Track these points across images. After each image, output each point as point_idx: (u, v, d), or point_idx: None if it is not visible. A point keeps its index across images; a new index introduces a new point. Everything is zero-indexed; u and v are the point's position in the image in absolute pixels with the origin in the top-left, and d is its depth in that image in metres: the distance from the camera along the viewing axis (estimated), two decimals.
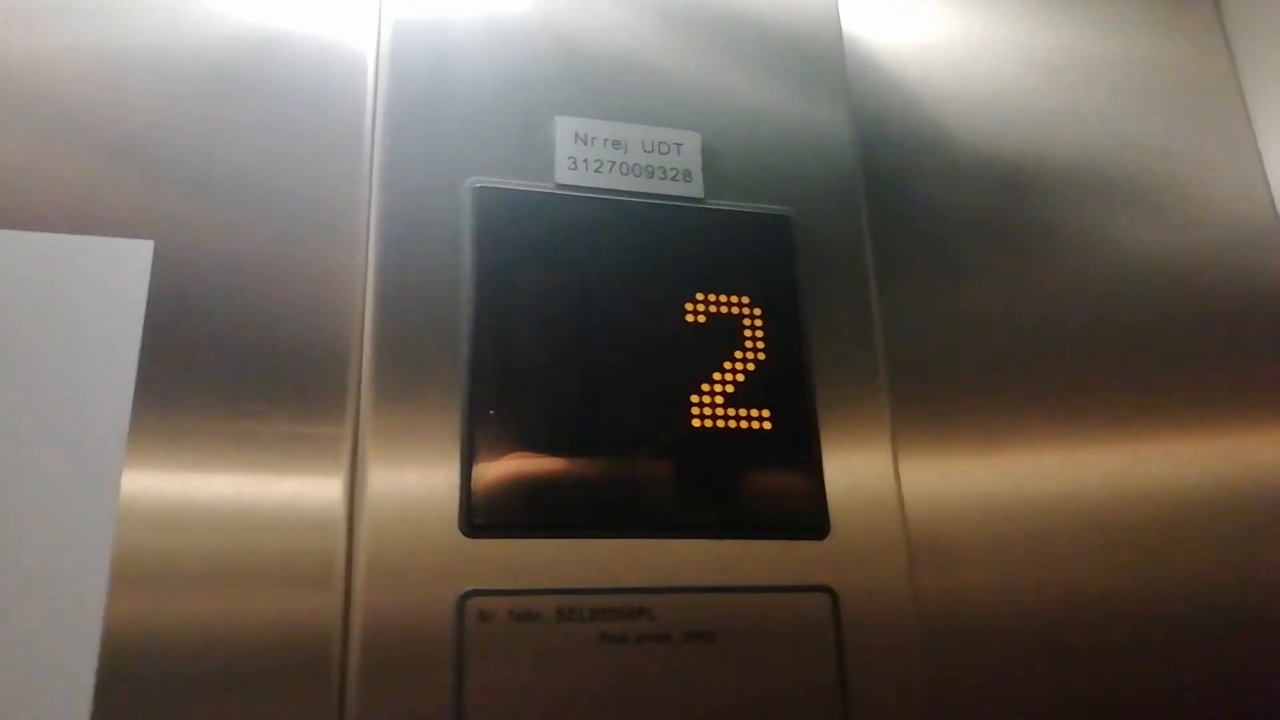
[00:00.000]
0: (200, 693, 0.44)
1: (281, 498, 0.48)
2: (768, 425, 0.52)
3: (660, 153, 0.57)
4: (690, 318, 0.53)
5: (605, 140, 0.56)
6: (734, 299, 0.54)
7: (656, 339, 0.52)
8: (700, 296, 0.54)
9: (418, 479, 0.48)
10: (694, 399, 0.52)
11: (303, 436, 0.49)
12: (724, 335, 0.54)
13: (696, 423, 0.51)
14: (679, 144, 0.57)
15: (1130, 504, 0.62)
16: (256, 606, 0.46)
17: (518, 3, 0.59)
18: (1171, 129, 0.77)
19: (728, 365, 0.53)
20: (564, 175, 0.55)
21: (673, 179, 0.56)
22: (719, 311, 0.54)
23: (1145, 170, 0.74)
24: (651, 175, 0.56)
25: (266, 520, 0.47)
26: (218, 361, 0.49)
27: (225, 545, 0.46)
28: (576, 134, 0.56)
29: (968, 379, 0.63)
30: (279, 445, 0.49)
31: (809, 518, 0.51)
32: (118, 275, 0.49)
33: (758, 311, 0.54)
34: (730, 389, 0.52)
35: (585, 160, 0.55)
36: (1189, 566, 0.62)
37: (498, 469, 0.48)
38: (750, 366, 0.53)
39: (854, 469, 0.54)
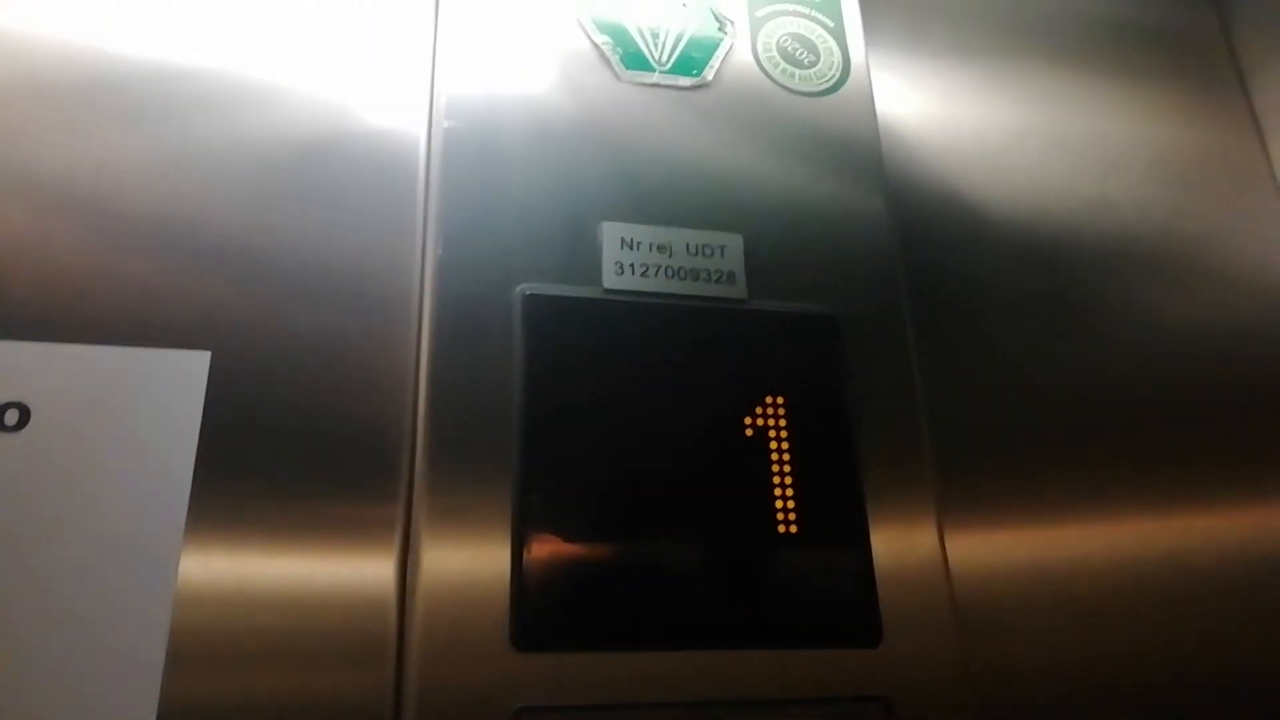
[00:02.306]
0: None
1: (335, 583, 0.49)
2: (819, 531, 0.52)
3: (704, 255, 0.57)
4: (738, 421, 0.53)
5: (651, 245, 0.57)
6: (780, 401, 0.54)
7: (705, 444, 0.52)
8: (747, 400, 0.54)
9: (468, 586, 0.48)
10: (744, 505, 0.52)
11: (355, 520, 0.50)
12: (772, 439, 0.53)
13: (747, 529, 0.51)
14: (723, 246, 0.58)
15: (1180, 577, 0.62)
16: (310, 686, 0.47)
17: (564, 107, 0.60)
18: (1205, 211, 0.78)
19: (776, 469, 0.53)
20: (611, 280, 0.55)
21: (717, 281, 0.57)
22: (766, 414, 0.54)
23: (1181, 251, 0.75)
24: (696, 278, 0.57)
25: (321, 602, 0.48)
26: (275, 455, 0.50)
27: (280, 626, 0.47)
28: (623, 238, 0.57)
29: (1014, 458, 0.64)
30: (334, 534, 0.50)
31: (862, 626, 0.51)
32: (176, 385, 0.50)
33: (805, 413, 0.54)
34: (779, 493, 0.52)
35: (632, 264, 0.56)
36: (1241, 639, 0.62)
37: (547, 581, 0.48)
38: (800, 471, 0.53)
39: (905, 572, 0.53)
